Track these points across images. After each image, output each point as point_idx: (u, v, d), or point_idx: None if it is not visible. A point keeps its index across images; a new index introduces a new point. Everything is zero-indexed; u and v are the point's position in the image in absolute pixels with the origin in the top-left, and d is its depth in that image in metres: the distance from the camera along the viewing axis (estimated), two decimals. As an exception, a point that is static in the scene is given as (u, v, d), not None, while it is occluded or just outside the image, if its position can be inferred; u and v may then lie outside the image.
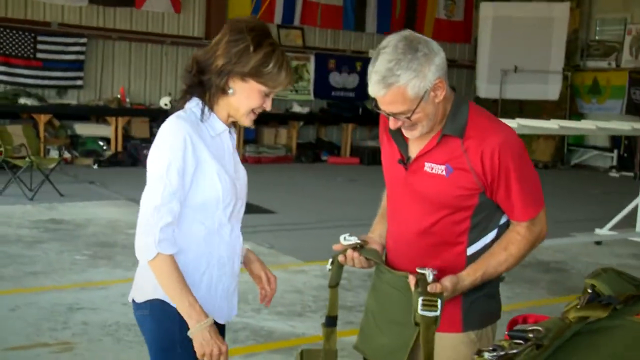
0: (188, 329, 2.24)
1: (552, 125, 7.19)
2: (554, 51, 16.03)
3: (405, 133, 2.26)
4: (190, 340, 2.24)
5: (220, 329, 2.35)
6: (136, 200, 9.25)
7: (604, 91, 16.62)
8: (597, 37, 17.26)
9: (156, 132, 2.30)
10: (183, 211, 2.27)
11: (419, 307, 2.09)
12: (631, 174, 15.47)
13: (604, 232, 8.30)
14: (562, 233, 8.10)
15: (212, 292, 2.35)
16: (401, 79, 2.10)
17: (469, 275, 2.22)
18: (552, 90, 16.15)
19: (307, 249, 7.26)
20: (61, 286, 5.66)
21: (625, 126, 8.37)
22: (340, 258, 2.35)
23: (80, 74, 13.38)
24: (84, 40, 13.32)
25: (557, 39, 16.00)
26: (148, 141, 12.76)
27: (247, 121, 2.34)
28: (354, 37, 16.41)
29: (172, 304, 2.26)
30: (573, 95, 17.08)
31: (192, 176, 2.24)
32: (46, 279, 5.84)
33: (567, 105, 16.83)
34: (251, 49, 2.22)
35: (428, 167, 2.26)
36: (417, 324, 2.12)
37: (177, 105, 2.36)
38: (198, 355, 2.23)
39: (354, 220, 8.63)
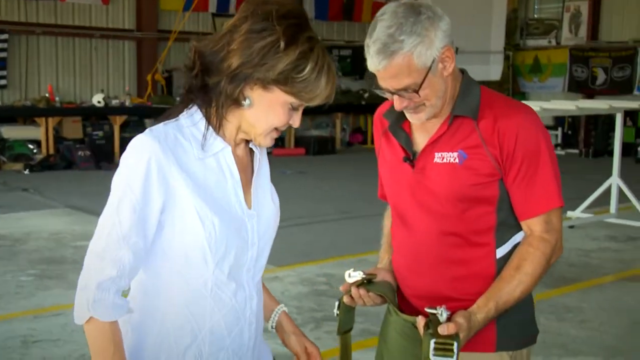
0: None
1: (569, 106, 6.88)
2: (494, 31, 15.75)
3: (410, 117, 1.96)
4: None
5: None
6: (77, 208, 8.64)
7: (545, 69, 16.58)
8: (536, 15, 17.21)
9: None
10: (156, 263, 1.67)
11: (431, 351, 1.78)
12: (576, 151, 15.49)
13: (577, 214, 8.04)
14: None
15: None
16: (405, 45, 1.82)
17: (480, 308, 1.91)
18: (494, 70, 15.88)
19: (276, 252, 6.68)
20: (10, 315, 4.98)
21: (633, 104, 8.31)
22: (346, 299, 2.02)
23: (3, 72, 12.62)
24: (5, 36, 12.55)
25: (497, 18, 15.76)
26: (82, 142, 12.08)
27: (265, 141, 1.69)
28: (291, 23, 15.88)
29: None
30: (515, 75, 16.98)
31: (161, 214, 1.63)
32: (-9, 308, 5.15)
33: (510, 85, 16.74)
34: (281, 45, 1.58)
35: (438, 157, 1.95)
36: None
37: (172, 113, 1.70)
38: None
39: (314, 216, 8.20)
